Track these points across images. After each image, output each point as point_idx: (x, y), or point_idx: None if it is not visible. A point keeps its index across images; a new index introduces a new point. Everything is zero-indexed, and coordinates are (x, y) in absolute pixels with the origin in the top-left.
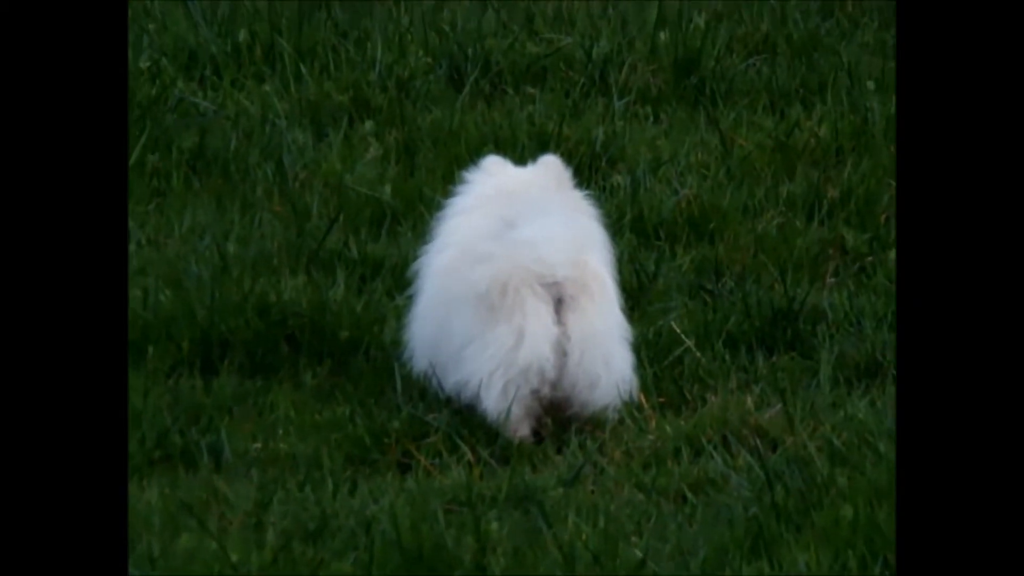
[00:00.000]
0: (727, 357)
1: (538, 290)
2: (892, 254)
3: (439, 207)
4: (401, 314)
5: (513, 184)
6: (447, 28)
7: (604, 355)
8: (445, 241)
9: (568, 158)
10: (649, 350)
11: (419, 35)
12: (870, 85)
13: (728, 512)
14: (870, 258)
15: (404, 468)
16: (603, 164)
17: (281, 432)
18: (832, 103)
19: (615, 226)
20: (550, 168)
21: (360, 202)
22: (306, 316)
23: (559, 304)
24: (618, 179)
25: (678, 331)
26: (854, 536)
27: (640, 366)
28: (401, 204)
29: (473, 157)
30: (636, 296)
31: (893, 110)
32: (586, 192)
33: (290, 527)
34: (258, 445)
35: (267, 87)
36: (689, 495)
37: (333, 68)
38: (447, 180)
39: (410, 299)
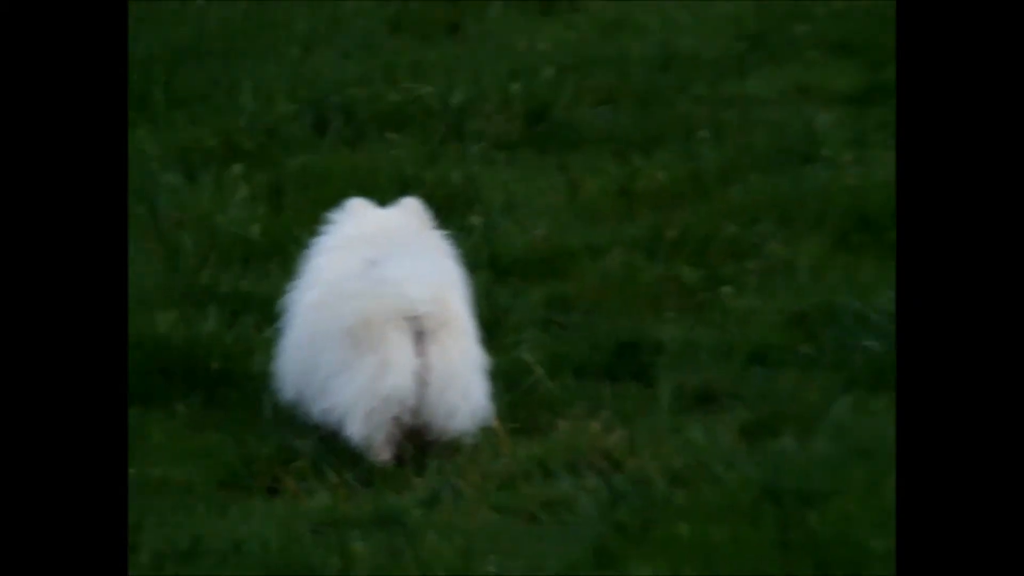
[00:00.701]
0: (575, 386)
1: (400, 324)
2: (726, 289)
3: (306, 246)
4: (270, 346)
5: (376, 225)
6: (312, 78)
7: (462, 385)
8: (313, 279)
9: (428, 200)
10: (503, 379)
11: (286, 84)
12: (704, 134)
13: (576, 530)
14: (705, 294)
15: (273, 492)
16: (460, 206)
17: (155, 458)
18: (670, 151)
19: (472, 264)
20: (411, 210)
21: (230, 241)
22: (178, 349)
23: (420, 337)
24: (474, 220)
25: (530, 361)
26: (691, 552)
27: (495, 394)
28: (269, 243)
29: (338, 199)
30: (491, 329)
31: (726, 157)
32: (445, 232)
33: (163, 548)
34: (133, 471)
35: (140, 132)
36: (540, 514)
37: (204, 115)
38: (313, 220)
39: (278, 332)
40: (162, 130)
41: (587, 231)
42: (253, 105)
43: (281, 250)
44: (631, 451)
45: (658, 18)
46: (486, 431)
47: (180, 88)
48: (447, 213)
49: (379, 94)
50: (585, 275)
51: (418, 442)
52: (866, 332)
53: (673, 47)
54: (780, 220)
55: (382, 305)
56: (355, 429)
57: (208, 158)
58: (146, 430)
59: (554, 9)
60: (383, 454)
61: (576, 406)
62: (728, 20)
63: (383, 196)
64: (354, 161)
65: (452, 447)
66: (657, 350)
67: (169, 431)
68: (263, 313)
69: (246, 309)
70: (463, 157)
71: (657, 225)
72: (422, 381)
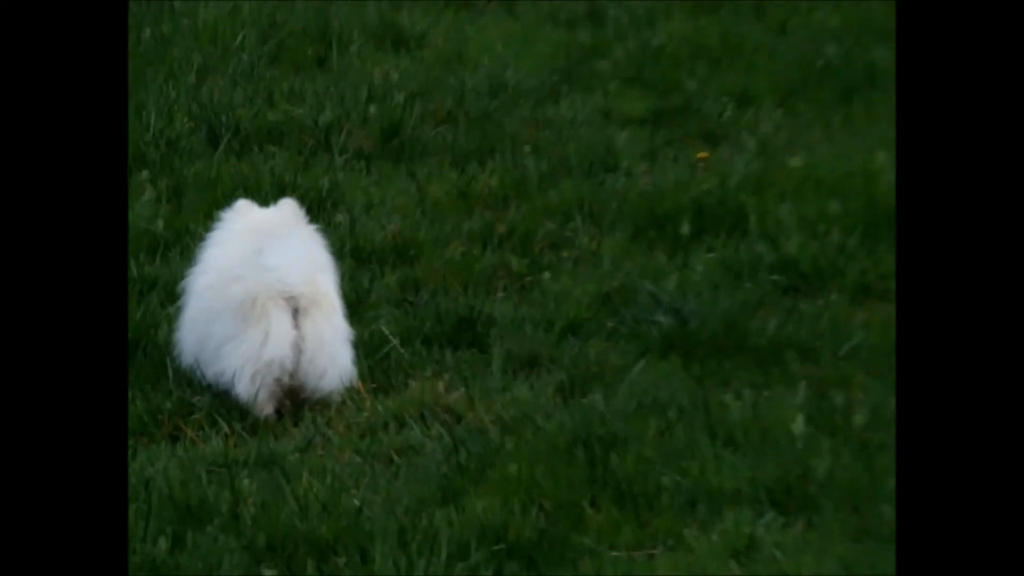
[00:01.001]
0: (424, 353)
1: (280, 303)
2: (546, 274)
3: (202, 238)
4: (172, 321)
5: (260, 221)
6: (206, 100)
7: (330, 353)
8: (207, 264)
9: (302, 201)
10: (365, 348)
11: (184, 105)
12: (527, 149)
13: (425, 471)
14: (529, 278)
15: (175, 439)
16: (328, 206)
17: None
18: (500, 162)
19: (338, 253)
20: (288, 208)
21: (138, 234)
22: None
23: (296, 313)
24: (340, 218)
25: (387, 333)
26: (518, 487)
27: (358, 360)
28: (171, 235)
29: (227, 200)
30: (354, 306)
31: (545, 167)
32: (316, 227)
33: None
34: None
35: None
36: (395, 458)
37: None
38: (207, 217)
39: (179, 309)
40: None
41: (433, 227)
42: (157, 122)
43: (181, 241)
44: (470, 406)
45: (489, 55)
46: (350, 390)
47: None
48: (318, 212)
49: (261, 114)
50: (432, 262)
51: (295, 399)
52: (658, 309)
53: (501, 78)
54: (588, 218)
55: (265, 286)
56: (243, 388)
57: None
58: None
59: (404, 47)
60: (266, 409)
61: (425, 369)
62: (545, 57)
63: (265, 198)
64: (241, 169)
65: (322, 403)
66: (490, 323)
67: None
68: (167, 293)
69: (151, 289)
70: (330, 166)
71: (490, 222)
72: (298, 349)
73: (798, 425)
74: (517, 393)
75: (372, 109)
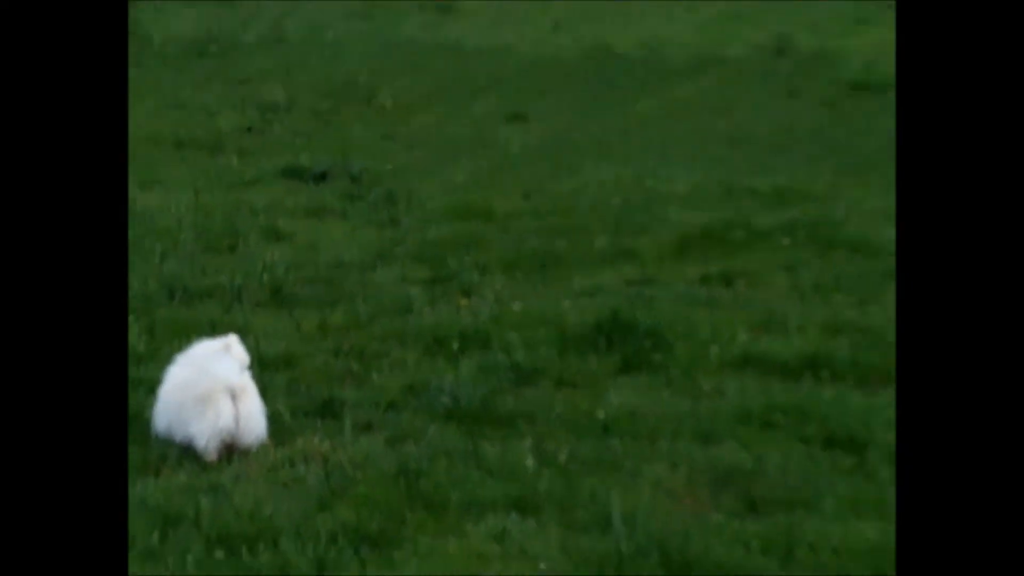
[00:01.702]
0: (304, 421)
1: (225, 393)
2: (374, 374)
3: (167, 355)
4: (150, 406)
5: (207, 347)
6: (166, 273)
7: (255, 422)
8: (175, 373)
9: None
10: (269, 419)
11: (154, 275)
12: (359, 299)
13: (308, 492)
14: (363, 376)
15: (157, 474)
16: (241, 337)
17: None
18: (342, 307)
19: (252, 361)
20: (230, 339)
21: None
22: None
23: (235, 398)
24: (250, 343)
25: (281, 410)
26: (366, 501)
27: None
28: (148, 353)
29: (181, 332)
30: (261, 393)
31: (370, 309)
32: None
33: None
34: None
35: None
36: (290, 484)
37: None
38: (168, 342)
39: (154, 400)
40: None
41: (304, 346)
42: (138, 286)
43: (154, 357)
44: (333, 452)
45: (333, 243)
46: (263, 444)
47: None
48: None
49: (198, 280)
50: (305, 367)
51: (231, 449)
52: (442, 394)
53: (341, 257)
54: (397, 340)
55: (216, 382)
56: (201, 445)
57: None
58: None
59: (282, 239)
60: (213, 456)
61: (305, 431)
62: (367, 244)
63: (205, 331)
64: (188, 314)
65: (247, 451)
66: (343, 403)
67: None
68: (147, 389)
69: (138, 386)
70: (242, 312)
71: (339, 343)
72: (236, 420)
73: (529, 461)
74: (361, 445)
75: (265, 277)
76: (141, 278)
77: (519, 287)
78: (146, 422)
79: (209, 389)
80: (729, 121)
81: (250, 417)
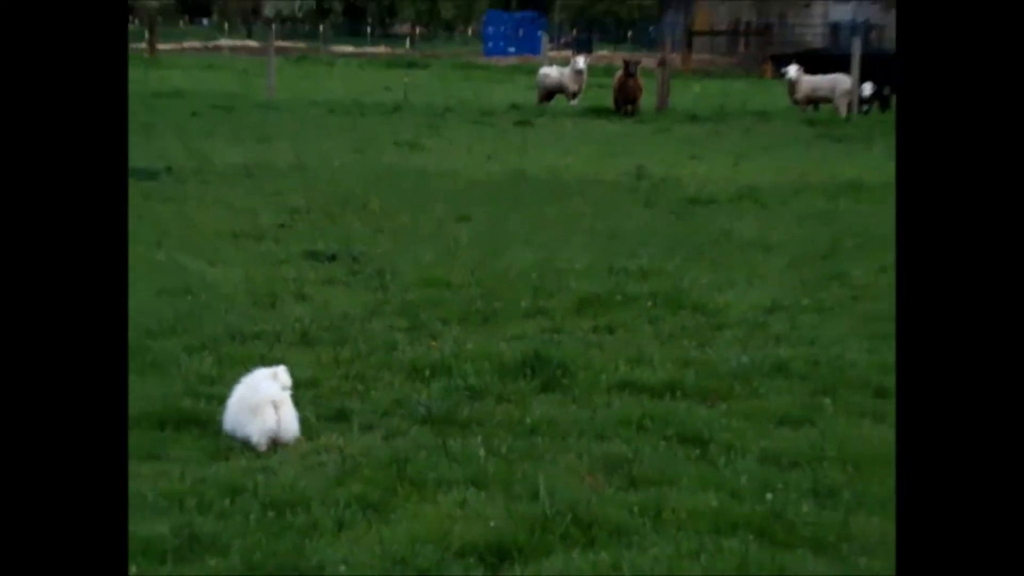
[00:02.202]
0: (324, 425)
1: (270, 404)
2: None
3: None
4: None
5: (261, 374)
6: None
7: (290, 425)
8: (238, 390)
9: None
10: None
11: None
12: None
13: (327, 472)
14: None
15: (227, 460)
16: None
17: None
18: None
19: None
20: (279, 369)
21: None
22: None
23: (276, 407)
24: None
25: (310, 416)
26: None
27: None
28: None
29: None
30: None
31: None
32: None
33: None
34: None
35: None
36: (316, 468)
37: None
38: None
39: (223, 411)
40: None
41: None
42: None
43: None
44: (347, 446)
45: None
46: (297, 440)
47: None
48: None
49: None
50: None
51: (276, 443)
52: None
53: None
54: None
55: (265, 398)
56: (254, 440)
57: None
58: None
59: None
60: (263, 448)
61: (328, 431)
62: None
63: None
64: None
65: (286, 445)
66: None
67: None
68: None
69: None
70: None
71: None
72: (278, 423)
73: (481, 452)
74: (365, 441)
75: (296, 325)
76: (212, 326)
77: (470, 334)
78: (217, 424)
79: (260, 402)
80: (607, 223)
81: (288, 421)
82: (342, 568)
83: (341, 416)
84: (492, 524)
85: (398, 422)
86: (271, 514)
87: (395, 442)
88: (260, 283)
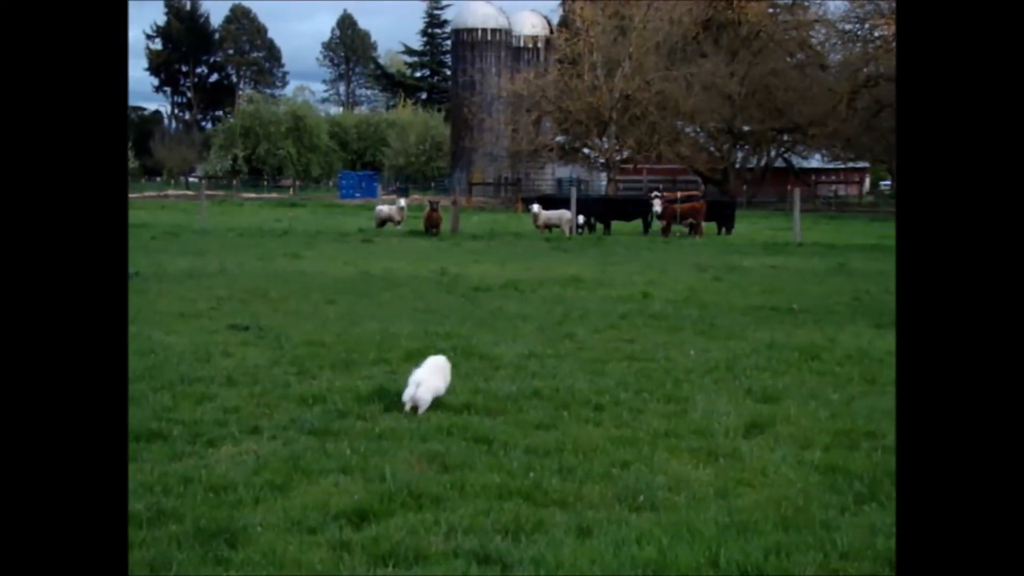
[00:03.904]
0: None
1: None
2: None
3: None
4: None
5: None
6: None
7: (426, 394)
8: (417, 371)
9: None
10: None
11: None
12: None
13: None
14: None
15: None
16: None
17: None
18: None
19: None
20: (440, 358)
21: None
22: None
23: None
24: None
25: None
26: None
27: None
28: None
29: None
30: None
31: None
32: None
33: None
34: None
35: None
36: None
37: None
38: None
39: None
40: None
41: None
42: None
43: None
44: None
45: None
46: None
47: None
48: None
49: None
50: None
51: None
52: None
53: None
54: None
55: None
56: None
57: None
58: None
59: None
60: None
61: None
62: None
63: None
64: None
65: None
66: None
67: (140, 469)
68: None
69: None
70: None
71: None
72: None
73: None
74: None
75: (225, 372)
76: (169, 373)
77: (338, 375)
78: (182, 433)
79: (418, 381)
80: (423, 303)
81: (425, 392)
82: (258, 528)
83: (255, 430)
84: (356, 497)
85: (293, 433)
86: (211, 495)
87: (291, 446)
88: (199, 345)
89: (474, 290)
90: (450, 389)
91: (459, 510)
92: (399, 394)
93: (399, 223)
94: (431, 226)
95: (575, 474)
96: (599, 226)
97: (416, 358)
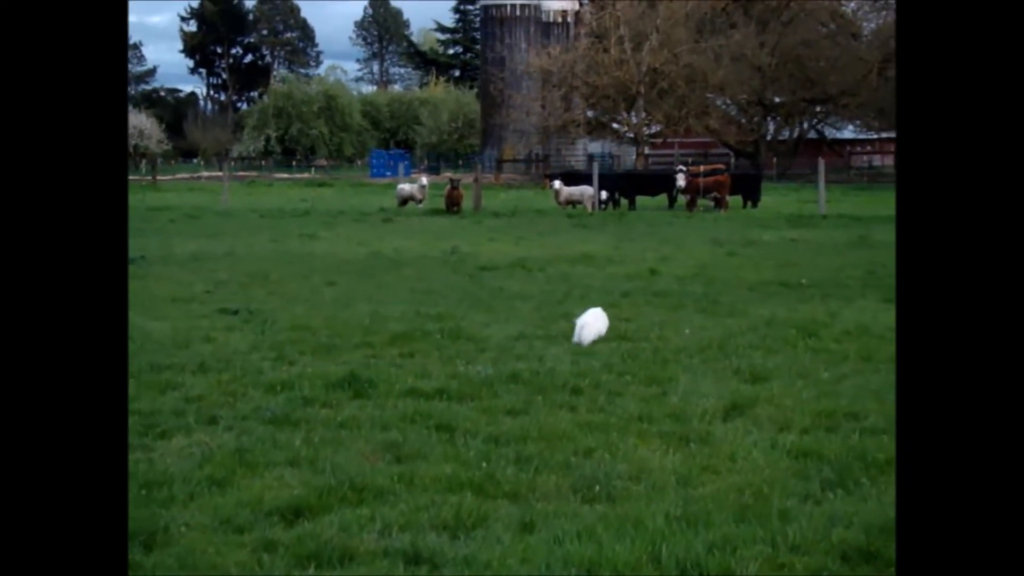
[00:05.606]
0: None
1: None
2: None
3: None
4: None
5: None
6: None
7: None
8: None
9: None
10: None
11: None
12: None
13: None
14: None
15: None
16: None
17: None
18: None
19: None
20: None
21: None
22: None
23: (583, 328)
24: None
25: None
26: None
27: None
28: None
29: None
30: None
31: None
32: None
33: None
34: None
35: None
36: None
37: None
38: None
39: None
40: None
41: None
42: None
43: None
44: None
45: None
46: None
47: None
48: None
49: None
50: None
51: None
52: None
53: None
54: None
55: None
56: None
57: None
58: None
59: None
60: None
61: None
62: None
63: None
64: None
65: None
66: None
67: None
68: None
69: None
70: None
71: None
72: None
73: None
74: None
75: (209, 356)
76: (140, 361)
77: (316, 360)
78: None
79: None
80: (424, 284)
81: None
82: (183, 528)
83: (212, 421)
84: (295, 492)
85: (251, 423)
86: (143, 492)
87: (243, 438)
88: (181, 331)
89: (480, 269)
90: (427, 374)
91: (400, 505)
92: (371, 380)
93: (420, 201)
94: (452, 204)
95: (531, 464)
96: (624, 202)
97: (402, 341)
